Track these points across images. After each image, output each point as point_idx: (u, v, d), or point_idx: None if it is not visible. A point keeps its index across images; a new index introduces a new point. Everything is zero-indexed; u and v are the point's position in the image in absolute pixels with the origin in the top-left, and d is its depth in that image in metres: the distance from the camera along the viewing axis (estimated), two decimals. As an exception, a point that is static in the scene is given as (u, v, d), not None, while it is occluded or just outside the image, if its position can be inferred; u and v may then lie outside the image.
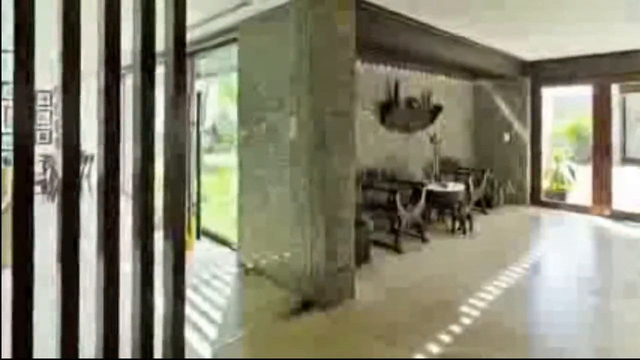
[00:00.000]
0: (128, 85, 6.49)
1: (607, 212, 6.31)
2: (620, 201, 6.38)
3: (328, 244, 3.21)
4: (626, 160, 12.70)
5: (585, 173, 7.00)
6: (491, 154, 7.42)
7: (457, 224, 5.39)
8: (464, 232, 5.34)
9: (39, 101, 8.05)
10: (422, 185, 5.18)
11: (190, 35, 3.55)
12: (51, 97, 8.16)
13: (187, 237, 4.09)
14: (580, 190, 7.16)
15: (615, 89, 6.56)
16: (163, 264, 1.70)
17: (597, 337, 2.89)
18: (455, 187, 5.47)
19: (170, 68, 1.70)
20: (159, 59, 1.63)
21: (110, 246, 1.59)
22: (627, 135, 13.16)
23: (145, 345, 1.66)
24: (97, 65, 1.59)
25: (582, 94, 7.23)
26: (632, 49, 5.96)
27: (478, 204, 6.29)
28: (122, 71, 1.75)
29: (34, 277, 1.36)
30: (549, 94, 7.34)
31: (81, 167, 1.62)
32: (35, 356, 1.37)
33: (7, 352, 1.36)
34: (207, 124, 5.69)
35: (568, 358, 2.56)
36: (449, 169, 6.56)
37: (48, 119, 8.22)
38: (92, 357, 1.60)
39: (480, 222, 5.89)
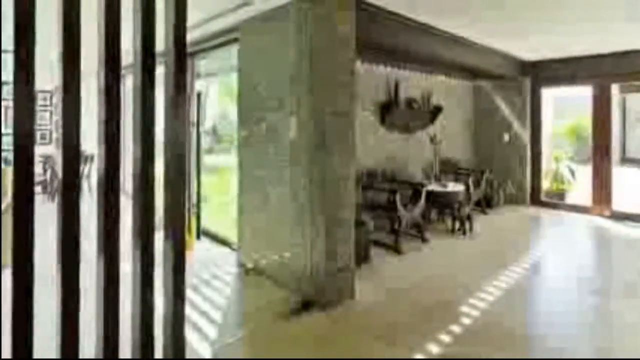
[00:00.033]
0: (128, 86, 6.49)
1: (606, 212, 6.32)
2: (620, 201, 6.38)
3: (328, 244, 3.21)
4: (626, 161, 12.70)
5: (585, 173, 7.00)
6: (491, 154, 7.42)
7: (457, 224, 5.39)
8: (464, 233, 5.35)
9: (39, 101, 8.05)
10: (422, 185, 5.18)
11: (190, 36, 3.55)
12: (51, 97, 8.16)
13: (187, 237, 4.09)
14: (580, 190, 7.17)
15: (615, 89, 6.56)
16: (163, 264, 1.70)
17: (597, 337, 2.89)
18: (455, 187, 5.47)
19: (170, 68, 1.70)
20: (159, 59, 1.63)
21: (111, 246, 1.58)
22: (626, 136, 13.16)
23: (145, 345, 1.65)
24: (97, 65, 1.59)
25: (582, 94, 7.24)
26: (632, 49, 5.96)
27: (478, 204, 6.30)
28: (122, 71, 1.75)
29: (34, 277, 1.36)
30: (548, 94, 7.34)
31: (81, 168, 1.62)
32: (35, 356, 1.37)
33: (7, 352, 1.35)
34: (207, 124, 5.68)
35: (568, 358, 2.56)
36: (449, 169, 6.56)
37: (48, 119, 8.22)
38: (92, 357, 1.59)
39: (480, 222, 5.89)
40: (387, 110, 5.58)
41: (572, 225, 6.00)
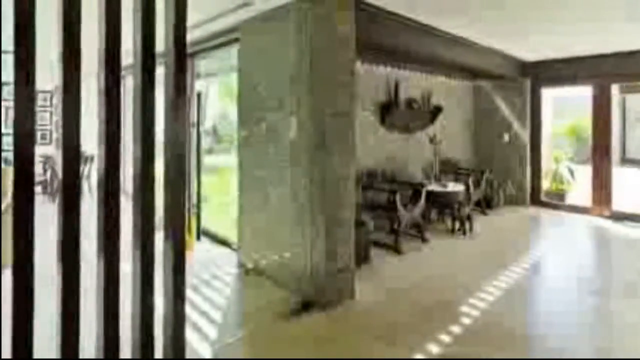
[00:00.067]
0: (128, 86, 6.49)
1: (606, 213, 6.32)
2: (620, 202, 6.38)
3: (328, 245, 3.21)
4: (626, 161, 12.70)
5: (584, 173, 7.00)
6: (491, 154, 7.42)
7: (457, 225, 5.39)
8: (464, 233, 5.35)
9: (39, 102, 8.05)
10: (422, 185, 5.18)
11: (190, 36, 3.55)
12: (51, 98, 8.17)
13: (187, 238, 4.09)
14: (580, 190, 7.17)
15: (615, 89, 6.55)
16: (163, 264, 1.70)
17: (597, 337, 2.89)
18: (455, 187, 5.47)
19: (170, 68, 1.70)
20: (159, 60, 1.63)
21: (111, 246, 1.59)
22: (626, 136, 13.16)
23: (145, 345, 1.66)
24: (98, 66, 1.59)
25: (582, 94, 7.24)
26: (633, 50, 5.96)
27: (478, 204, 6.30)
28: (122, 72, 1.75)
29: (34, 277, 1.36)
30: (548, 94, 7.34)
31: (81, 168, 1.62)
32: (35, 356, 1.37)
33: (7, 352, 1.36)
34: (207, 125, 5.69)
35: (568, 358, 2.56)
36: (449, 169, 6.56)
37: (48, 119, 8.22)
38: (92, 357, 1.60)
39: (480, 222, 5.89)
40: (387, 111, 5.58)
41: (572, 225, 6.00)
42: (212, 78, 5.79)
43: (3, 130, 7.10)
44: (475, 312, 3.15)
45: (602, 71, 6.39)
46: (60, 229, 1.46)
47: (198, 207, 4.96)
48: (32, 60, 1.35)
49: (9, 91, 6.52)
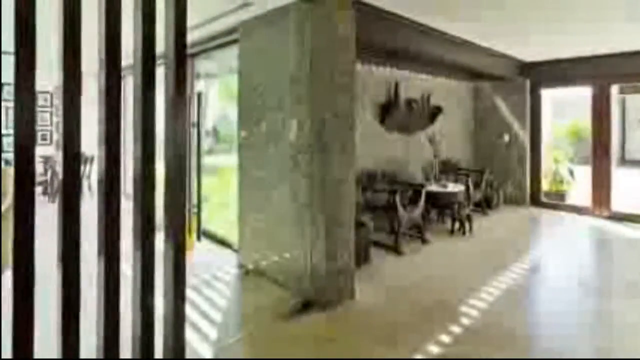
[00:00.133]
0: (128, 86, 6.49)
1: (606, 213, 6.32)
2: (620, 202, 6.38)
3: (328, 245, 3.21)
4: (625, 162, 12.71)
5: (584, 174, 7.00)
6: (491, 154, 7.43)
7: (457, 225, 5.39)
8: (464, 233, 5.35)
9: (40, 102, 8.06)
10: (422, 186, 5.18)
11: (190, 37, 3.55)
12: (51, 98, 8.17)
13: (187, 238, 4.09)
14: (580, 191, 7.17)
15: (614, 89, 6.56)
16: (163, 265, 1.70)
17: (597, 337, 2.89)
18: (455, 187, 5.47)
19: (170, 69, 1.71)
20: (159, 60, 1.64)
21: (111, 247, 1.59)
22: (626, 137, 13.17)
23: (145, 345, 1.66)
24: (98, 66, 1.60)
25: (582, 94, 7.24)
26: (633, 50, 5.97)
27: (478, 204, 6.30)
28: (123, 72, 1.75)
29: (34, 278, 1.36)
30: (548, 94, 7.35)
31: (81, 168, 1.63)
32: (35, 356, 1.38)
33: (7, 352, 1.36)
34: (207, 125, 5.69)
35: (568, 358, 2.56)
36: (449, 169, 6.56)
37: (48, 120, 8.23)
38: (92, 357, 1.60)
39: (480, 222, 5.90)
40: (387, 111, 5.58)
41: (572, 225, 6.00)
42: (213, 79, 5.79)
43: (3, 131, 7.11)
44: (475, 312, 3.15)
45: (601, 71, 6.39)
46: (60, 229, 1.46)
47: (198, 207, 4.96)
48: (32, 60, 1.35)
49: (9, 92, 6.54)
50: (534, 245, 5.13)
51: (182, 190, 1.74)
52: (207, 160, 5.44)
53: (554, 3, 3.84)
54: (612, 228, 5.84)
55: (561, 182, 7.30)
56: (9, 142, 6.16)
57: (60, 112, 1.47)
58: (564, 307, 3.31)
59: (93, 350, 1.59)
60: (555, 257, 4.59)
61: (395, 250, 4.60)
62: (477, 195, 6.12)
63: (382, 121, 5.59)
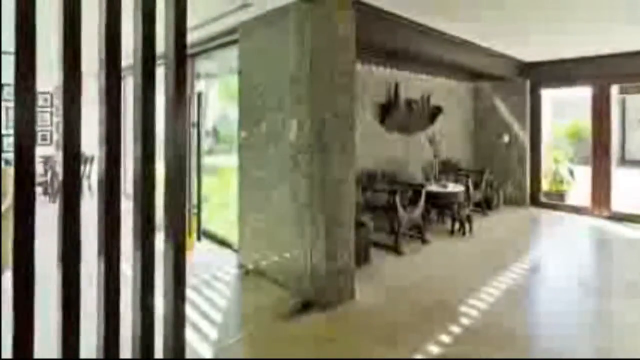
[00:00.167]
0: (128, 86, 6.49)
1: (606, 213, 6.32)
2: (619, 202, 6.38)
3: (328, 245, 3.21)
4: (625, 162, 12.71)
5: (584, 174, 7.01)
6: (491, 155, 7.43)
7: (457, 225, 5.39)
8: (464, 233, 5.35)
9: (40, 102, 8.06)
10: (422, 186, 5.18)
11: (190, 37, 3.55)
12: (51, 98, 8.17)
13: (187, 238, 4.10)
14: (580, 191, 7.17)
15: (614, 90, 6.56)
16: (163, 265, 1.70)
17: (597, 337, 2.89)
18: (455, 188, 5.47)
19: (170, 69, 1.71)
20: (159, 60, 1.64)
21: (111, 247, 1.59)
22: (626, 137, 13.17)
23: (145, 345, 1.66)
24: (98, 66, 1.60)
25: (582, 94, 7.24)
26: (633, 50, 5.97)
27: (478, 205, 6.30)
28: (123, 72, 1.75)
29: (34, 278, 1.36)
30: (548, 95, 7.35)
31: (82, 168, 1.63)
32: (35, 356, 1.38)
33: (8, 352, 1.36)
34: (207, 125, 5.69)
35: (568, 358, 2.56)
36: (449, 170, 6.57)
37: (49, 120, 8.23)
38: (92, 357, 1.60)
39: (480, 223, 5.90)
40: (387, 111, 5.58)
41: (572, 225, 6.00)
42: (213, 79, 5.80)
43: (4, 131, 7.11)
44: (475, 312, 3.16)
45: (601, 72, 6.39)
46: (60, 229, 1.46)
47: (198, 207, 4.96)
48: (33, 61, 1.35)
49: (9, 92, 6.54)
50: (534, 246, 5.13)
51: (182, 191, 1.74)
52: (207, 160, 5.45)
53: (553, 3, 3.84)
54: (612, 228, 5.84)
55: (561, 182, 7.30)
56: (9, 142, 6.16)
57: (61, 112, 1.47)
58: (564, 307, 3.31)
59: (93, 350, 1.59)
60: (555, 257, 4.59)
61: (395, 250, 4.60)
62: (477, 196, 6.12)
63: (382, 121, 5.59)
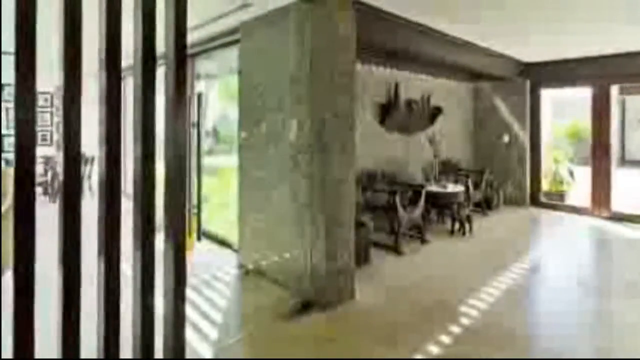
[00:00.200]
0: (128, 86, 6.49)
1: (606, 214, 6.32)
2: (619, 202, 6.38)
3: (328, 245, 3.21)
4: (625, 162, 12.71)
5: (584, 174, 7.01)
6: (491, 155, 7.43)
7: (457, 225, 5.39)
8: (464, 233, 5.35)
9: (40, 102, 8.05)
10: (422, 186, 5.18)
11: (191, 37, 3.55)
12: (52, 99, 8.17)
13: (187, 238, 4.10)
14: (580, 191, 7.17)
15: (614, 90, 6.56)
16: (163, 265, 1.70)
17: (597, 337, 2.89)
18: (454, 188, 5.47)
19: (170, 69, 1.71)
20: (159, 60, 1.64)
21: (111, 247, 1.59)
22: (626, 137, 13.17)
23: (145, 345, 1.66)
24: (98, 66, 1.60)
25: (582, 95, 7.24)
26: (633, 51, 5.97)
27: (478, 205, 6.30)
28: (123, 72, 1.75)
29: (35, 278, 1.36)
30: (548, 95, 7.35)
31: (82, 169, 1.63)
32: (36, 356, 1.38)
33: (8, 352, 1.36)
34: (207, 125, 5.69)
35: (568, 358, 2.56)
36: (449, 170, 6.57)
37: (49, 120, 8.23)
38: (92, 357, 1.60)
39: (480, 223, 5.90)
40: (387, 112, 5.59)
41: (572, 226, 6.00)
42: (213, 79, 5.80)
43: (4, 131, 7.11)
44: (475, 312, 3.16)
45: (601, 72, 6.39)
46: (60, 230, 1.46)
47: (198, 207, 4.96)
48: (33, 61, 1.35)
49: (9, 92, 6.54)
50: (534, 246, 5.13)
51: (182, 191, 1.74)
52: (207, 160, 5.45)
53: (553, 3, 3.84)
54: (612, 228, 5.84)
55: (561, 182, 7.30)
56: (9, 142, 6.17)
57: (61, 113, 1.47)
58: (564, 307, 3.31)
59: (93, 350, 1.59)
60: (555, 257, 4.59)
61: (395, 250, 4.60)
62: (477, 196, 6.12)
63: (382, 121, 5.59)
